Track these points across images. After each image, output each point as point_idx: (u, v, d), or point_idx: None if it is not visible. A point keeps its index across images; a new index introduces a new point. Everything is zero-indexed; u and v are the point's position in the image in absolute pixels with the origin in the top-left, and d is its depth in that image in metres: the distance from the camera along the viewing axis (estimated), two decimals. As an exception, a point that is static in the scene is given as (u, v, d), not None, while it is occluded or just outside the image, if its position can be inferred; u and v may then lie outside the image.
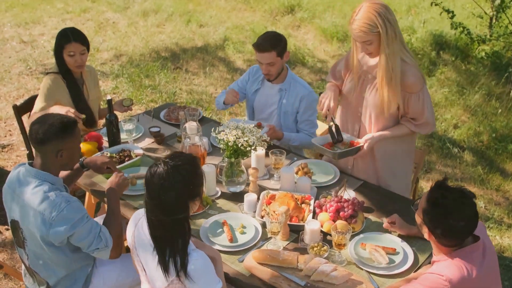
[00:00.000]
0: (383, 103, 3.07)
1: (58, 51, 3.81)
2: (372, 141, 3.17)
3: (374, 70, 3.12)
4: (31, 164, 2.63)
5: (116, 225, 2.71)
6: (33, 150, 2.69)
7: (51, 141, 2.53)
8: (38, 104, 3.81)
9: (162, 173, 2.21)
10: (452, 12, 6.54)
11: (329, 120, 3.22)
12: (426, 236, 2.28)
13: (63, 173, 2.91)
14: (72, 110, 3.56)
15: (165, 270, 2.23)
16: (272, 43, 3.61)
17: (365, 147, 3.16)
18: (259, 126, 3.57)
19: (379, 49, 2.96)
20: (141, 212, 2.44)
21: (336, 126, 3.21)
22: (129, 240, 2.45)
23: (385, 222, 2.80)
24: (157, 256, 2.26)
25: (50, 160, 2.59)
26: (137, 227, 2.40)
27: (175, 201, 2.22)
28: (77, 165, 3.01)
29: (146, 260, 2.34)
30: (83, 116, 3.59)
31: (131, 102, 3.93)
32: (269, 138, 3.18)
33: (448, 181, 2.27)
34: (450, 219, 2.15)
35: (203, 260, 2.26)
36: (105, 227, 2.64)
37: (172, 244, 2.23)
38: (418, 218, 2.30)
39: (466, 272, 2.15)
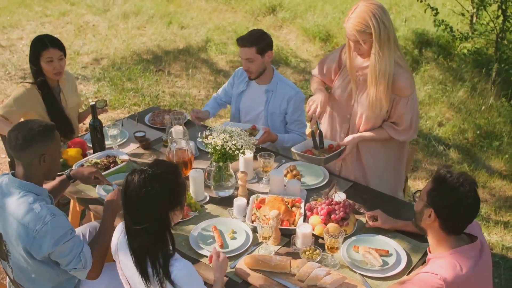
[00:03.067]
0: (369, 103, 3.04)
1: (35, 59, 3.67)
2: (353, 142, 3.15)
3: (364, 71, 3.09)
4: (14, 174, 2.55)
5: (102, 245, 2.60)
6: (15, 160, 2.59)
7: (32, 145, 2.45)
8: (5, 108, 3.64)
9: (140, 181, 2.14)
10: (436, 9, 6.57)
11: (313, 123, 3.16)
12: (428, 222, 2.23)
13: (49, 186, 2.84)
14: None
15: (146, 280, 2.18)
16: (252, 39, 3.61)
17: (347, 149, 3.13)
18: (253, 129, 3.54)
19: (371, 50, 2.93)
20: (120, 230, 2.38)
21: (321, 132, 3.18)
22: (113, 249, 2.39)
23: (367, 221, 2.81)
24: (138, 267, 2.20)
25: (33, 167, 2.50)
26: (120, 239, 2.34)
27: (153, 211, 2.16)
28: (64, 176, 2.93)
29: (130, 271, 2.28)
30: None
31: (105, 103, 3.81)
32: (258, 141, 3.16)
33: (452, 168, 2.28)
34: (458, 193, 2.14)
35: (187, 269, 2.20)
36: (88, 247, 2.54)
37: (153, 255, 2.17)
38: (419, 205, 2.27)
39: (460, 271, 2.13)
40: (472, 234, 2.28)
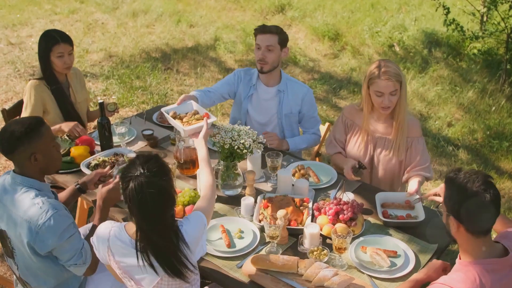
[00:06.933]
0: (396, 146, 3.27)
1: (45, 54, 3.67)
2: (419, 188, 3.14)
3: (381, 130, 3.30)
4: (15, 172, 2.55)
5: None
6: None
7: (17, 148, 2.43)
8: (27, 111, 3.71)
9: (137, 188, 2.10)
10: (448, 8, 6.51)
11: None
12: (453, 230, 2.14)
13: (62, 198, 2.85)
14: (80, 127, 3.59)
15: (180, 275, 2.19)
16: (276, 28, 3.60)
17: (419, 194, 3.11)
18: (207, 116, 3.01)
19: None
20: (108, 229, 2.29)
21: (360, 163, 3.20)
22: (103, 259, 2.34)
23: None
24: (144, 261, 2.18)
25: (27, 166, 2.49)
26: (110, 242, 2.27)
27: (157, 213, 2.15)
28: (74, 188, 2.92)
29: (131, 267, 2.25)
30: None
31: (116, 106, 3.81)
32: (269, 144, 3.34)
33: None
34: (467, 190, 2.06)
35: (192, 227, 2.24)
36: (88, 244, 2.54)
37: (169, 246, 2.18)
38: (444, 215, 2.19)
39: (478, 287, 2.03)
40: (510, 246, 2.16)
